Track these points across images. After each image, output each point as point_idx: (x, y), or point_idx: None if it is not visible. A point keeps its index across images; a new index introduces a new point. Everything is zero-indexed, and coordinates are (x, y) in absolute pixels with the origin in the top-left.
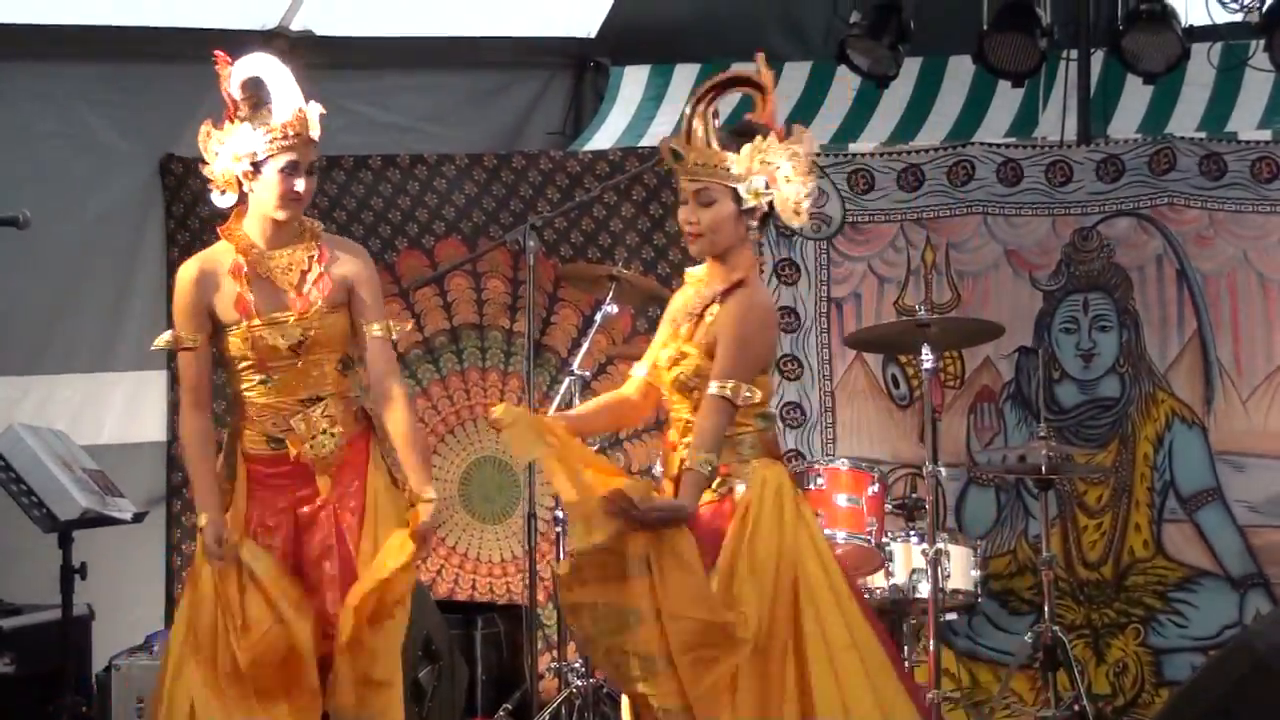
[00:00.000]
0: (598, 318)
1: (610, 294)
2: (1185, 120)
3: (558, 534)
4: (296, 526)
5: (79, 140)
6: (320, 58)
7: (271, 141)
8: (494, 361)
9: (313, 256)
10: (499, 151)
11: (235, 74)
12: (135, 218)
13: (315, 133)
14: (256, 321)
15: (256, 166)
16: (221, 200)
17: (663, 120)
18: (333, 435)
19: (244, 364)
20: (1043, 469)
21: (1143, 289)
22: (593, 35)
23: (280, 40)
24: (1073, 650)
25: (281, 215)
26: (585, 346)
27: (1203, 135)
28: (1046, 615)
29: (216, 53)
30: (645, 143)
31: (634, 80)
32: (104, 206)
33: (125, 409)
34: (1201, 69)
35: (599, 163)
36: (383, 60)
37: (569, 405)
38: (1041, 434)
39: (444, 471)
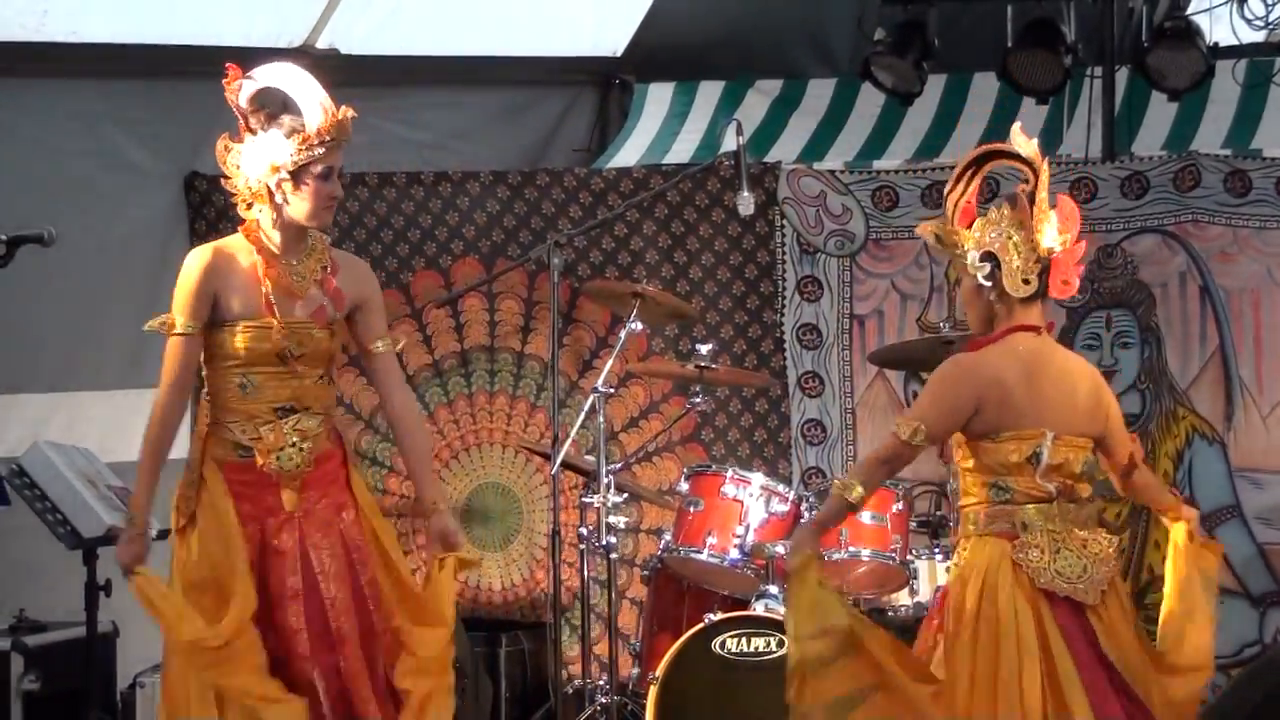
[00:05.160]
0: (622, 335)
1: (634, 311)
2: (1210, 137)
3: (581, 551)
4: (263, 538)
5: (106, 157)
6: (346, 75)
7: (309, 148)
8: (503, 384)
9: (325, 268)
10: (523, 169)
11: (246, 86)
12: (161, 234)
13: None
14: (272, 321)
15: (294, 175)
16: (249, 214)
17: (687, 137)
18: (300, 449)
19: (230, 363)
20: None
21: (1165, 305)
22: (619, 53)
23: (306, 58)
24: None
25: (315, 222)
26: (610, 364)
27: (1228, 152)
28: None
29: (228, 66)
30: (670, 160)
31: (659, 97)
32: (130, 223)
33: None
34: (1226, 86)
35: (623, 180)
36: (408, 78)
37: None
38: None
39: (448, 497)
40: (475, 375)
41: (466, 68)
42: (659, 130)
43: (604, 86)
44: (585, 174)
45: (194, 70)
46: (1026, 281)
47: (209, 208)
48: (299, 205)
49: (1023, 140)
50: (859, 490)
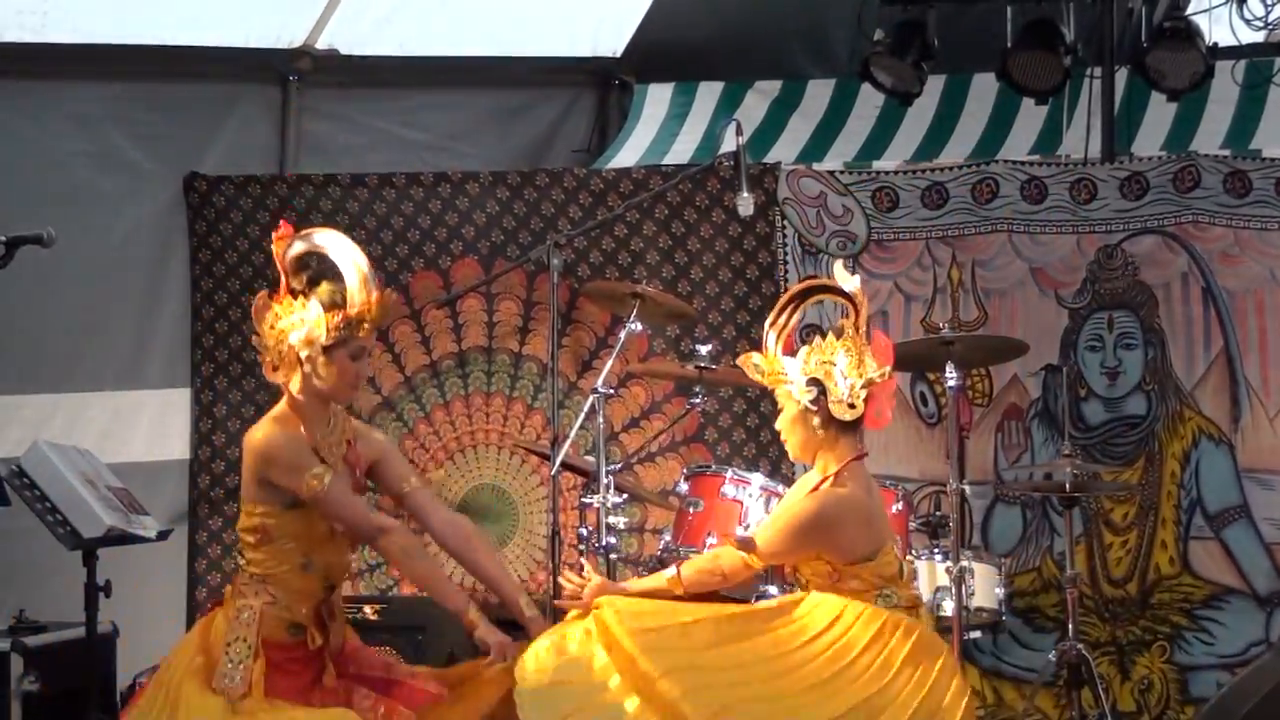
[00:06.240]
0: (622, 335)
1: (634, 312)
2: (1209, 138)
3: (580, 552)
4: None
5: (106, 158)
6: (345, 76)
7: (347, 327)
8: (499, 386)
9: (348, 440)
10: (523, 169)
11: (294, 245)
12: (161, 236)
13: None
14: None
15: (326, 350)
16: (274, 376)
17: (686, 137)
18: (341, 624)
19: (294, 543)
20: (1067, 486)
21: (1168, 306)
22: (618, 54)
23: (305, 58)
24: (1097, 667)
25: (339, 398)
26: (609, 364)
27: (1227, 153)
28: (1070, 633)
29: (282, 221)
30: (669, 160)
31: (658, 98)
32: (131, 225)
33: (152, 426)
34: (1225, 86)
35: (623, 180)
36: (408, 79)
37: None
38: (1066, 452)
39: (444, 498)
40: (472, 376)
41: (466, 68)
42: (658, 131)
43: (603, 87)
44: (585, 174)
45: (194, 71)
46: (852, 406)
47: (209, 208)
48: (326, 379)
49: (845, 275)
50: (679, 581)
